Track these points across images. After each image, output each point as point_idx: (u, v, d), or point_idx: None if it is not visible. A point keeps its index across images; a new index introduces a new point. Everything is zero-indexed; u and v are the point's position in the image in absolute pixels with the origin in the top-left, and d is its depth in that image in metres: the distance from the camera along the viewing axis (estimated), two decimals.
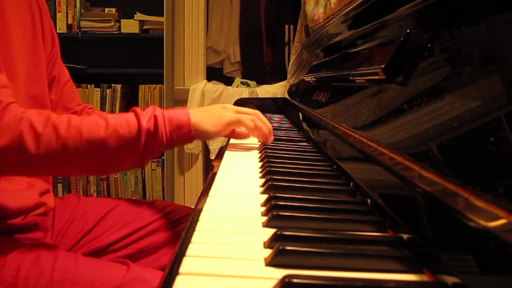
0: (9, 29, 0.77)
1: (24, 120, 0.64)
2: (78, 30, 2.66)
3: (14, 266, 0.68)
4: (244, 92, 2.27)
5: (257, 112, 0.89)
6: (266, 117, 0.91)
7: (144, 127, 0.71)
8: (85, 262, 0.72)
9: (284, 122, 1.29)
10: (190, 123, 0.75)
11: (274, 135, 0.97)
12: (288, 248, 0.37)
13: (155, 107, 0.75)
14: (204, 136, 0.79)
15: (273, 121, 1.28)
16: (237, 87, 2.43)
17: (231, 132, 0.86)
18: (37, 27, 0.87)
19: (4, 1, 0.76)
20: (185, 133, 0.75)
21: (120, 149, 0.70)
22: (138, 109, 0.74)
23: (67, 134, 0.66)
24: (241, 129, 0.89)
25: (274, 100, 1.61)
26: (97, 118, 0.70)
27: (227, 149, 0.91)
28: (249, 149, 0.92)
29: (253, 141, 0.97)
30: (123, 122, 0.71)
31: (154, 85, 2.70)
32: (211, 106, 0.86)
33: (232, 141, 1.01)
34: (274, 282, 0.33)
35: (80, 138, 0.67)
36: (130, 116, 0.72)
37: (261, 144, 0.92)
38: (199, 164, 2.36)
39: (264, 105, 1.56)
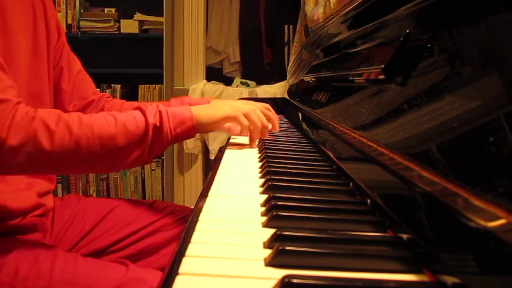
0: (11, 28, 0.76)
1: (37, 118, 0.65)
2: (77, 30, 2.66)
3: (12, 267, 0.67)
4: (244, 92, 2.27)
5: (255, 107, 0.90)
6: None
7: (150, 123, 0.73)
8: (84, 262, 0.72)
9: (284, 122, 1.29)
10: (193, 116, 0.78)
11: (273, 135, 0.97)
12: (288, 248, 0.36)
13: (158, 104, 0.78)
14: (203, 129, 0.81)
15: None
16: (236, 87, 2.42)
17: (227, 127, 0.92)
18: (39, 23, 0.86)
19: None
20: (188, 127, 0.78)
21: (128, 145, 0.71)
22: (142, 106, 0.77)
23: (79, 131, 0.67)
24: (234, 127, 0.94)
25: (273, 100, 1.61)
26: (105, 115, 0.72)
27: (227, 148, 0.91)
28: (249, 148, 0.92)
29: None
30: (130, 118, 0.73)
31: (154, 85, 2.70)
32: (211, 102, 0.91)
33: (232, 140, 1.01)
34: (274, 282, 0.33)
35: (92, 134, 0.68)
36: (136, 112, 0.75)
37: (260, 144, 0.92)
38: (198, 164, 2.35)
39: None
